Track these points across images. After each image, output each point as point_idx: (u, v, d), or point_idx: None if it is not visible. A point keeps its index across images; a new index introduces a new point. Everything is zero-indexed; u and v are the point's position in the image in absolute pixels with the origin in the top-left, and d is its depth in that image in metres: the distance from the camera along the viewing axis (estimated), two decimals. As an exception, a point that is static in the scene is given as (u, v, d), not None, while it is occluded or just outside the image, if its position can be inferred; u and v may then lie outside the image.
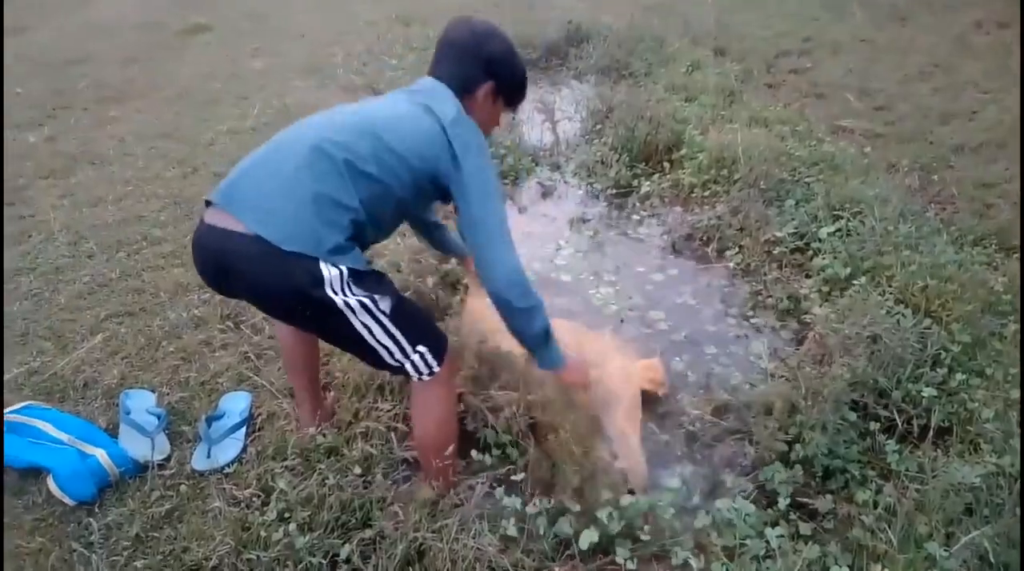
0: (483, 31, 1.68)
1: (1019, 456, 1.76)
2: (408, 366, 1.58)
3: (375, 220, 1.55)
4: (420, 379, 1.61)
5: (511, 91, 1.75)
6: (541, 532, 1.66)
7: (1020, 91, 4.28)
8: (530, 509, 1.69)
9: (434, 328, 1.66)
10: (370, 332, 1.50)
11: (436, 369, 1.61)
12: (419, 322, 1.61)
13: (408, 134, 1.52)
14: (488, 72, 1.67)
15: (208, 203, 1.52)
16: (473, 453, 1.88)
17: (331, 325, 1.50)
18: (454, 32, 1.69)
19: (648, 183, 3.67)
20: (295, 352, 1.95)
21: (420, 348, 1.57)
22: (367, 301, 1.47)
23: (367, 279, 1.51)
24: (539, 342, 1.67)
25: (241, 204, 1.46)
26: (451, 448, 1.76)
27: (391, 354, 1.55)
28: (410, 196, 1.57)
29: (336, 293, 1.44)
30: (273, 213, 1.43)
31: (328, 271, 1.43)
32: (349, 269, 1.46)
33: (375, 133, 1.51)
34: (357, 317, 1.47)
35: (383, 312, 1.50)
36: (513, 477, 1.81)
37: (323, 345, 2.30)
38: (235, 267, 1.46)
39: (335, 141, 1.48)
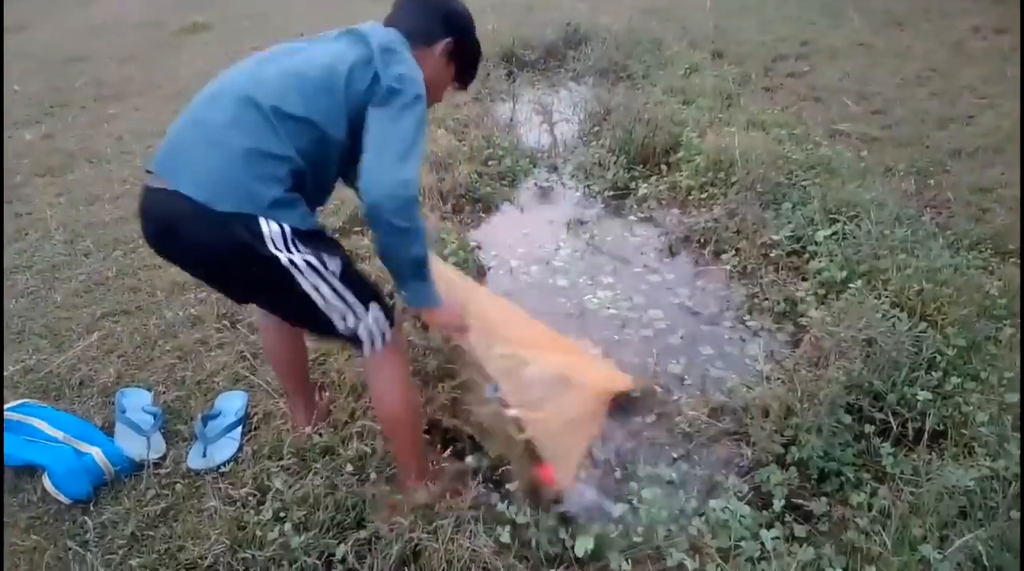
0: None
1: (1016, 460, 1.77)
2: (362, 330, 1.52)
3: (317, 171, 1.47)
4: (374, 347, 1.56)
5: (467, 57, 1.70)
6: (534, 544, 1.66)
7: (1020, 97, 4.29)
8: (520, 519, 1.69)
9: (381, 291, 1.59)
10: (319, 293, 1.45)
11: (388, 334, 1.56)
12: (368, 284, 1.54)
13: (337, 65, 1.44)
14: (449, 28, 1.62)
15: (149, 173, 1.46)
16: (469, 459, 1.90)
17: (277, 287, 1.44)
18: None
19: (645, 185, 3.68)
20: (280, 356, 1.93)
21: (373, 307, 1.52)
22: (313, 260, 1.42)
23: (314, 238, 1.44)
24: (410, 272, 1.51)
25: (174, 168, 1.39)
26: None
27: (343, 318, 1.50)
28: (347, 137, 1.46)
29: (279, 250, 1.38)
30: (205, 174, 1.36)
31: (268, 226, 1.36)
32: (292, 228, 1.39)
33: (302, 72, 1.43)
34: (305, 277, 1.42)
35: (332, 273, 1.45)
36: (508, 486, 1.81)
37: (314, 348, 2.31)
38: (174, 228, 1.40)
39: (261, 89, 1.41)
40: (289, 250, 1.39)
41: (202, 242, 1.38)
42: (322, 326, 1.51)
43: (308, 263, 1.41)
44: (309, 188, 1.47)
